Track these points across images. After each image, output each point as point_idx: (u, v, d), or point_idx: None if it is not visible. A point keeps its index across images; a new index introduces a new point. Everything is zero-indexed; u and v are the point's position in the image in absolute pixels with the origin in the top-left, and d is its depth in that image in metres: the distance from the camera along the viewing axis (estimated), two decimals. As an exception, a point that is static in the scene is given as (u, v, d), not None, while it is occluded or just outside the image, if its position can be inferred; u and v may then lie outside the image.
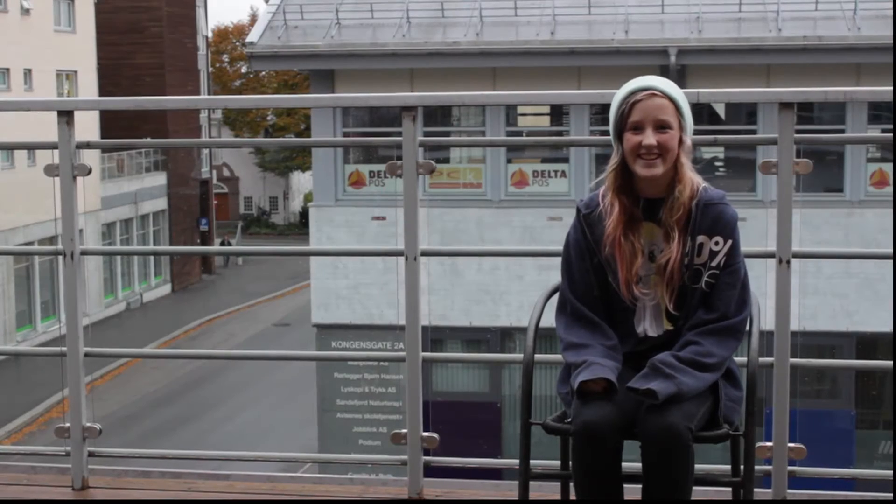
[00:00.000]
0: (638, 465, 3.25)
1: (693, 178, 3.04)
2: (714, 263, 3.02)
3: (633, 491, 3.16)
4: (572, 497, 3.03)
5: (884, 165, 17.28)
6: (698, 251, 3.02)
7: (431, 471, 3.83)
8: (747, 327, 3.09)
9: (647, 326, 3.06)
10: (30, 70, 33.58)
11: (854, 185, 17.11)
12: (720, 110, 17.61)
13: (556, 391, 3.13)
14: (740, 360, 3.16)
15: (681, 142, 3.02)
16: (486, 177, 18.02)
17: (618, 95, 3.05)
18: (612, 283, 3.07)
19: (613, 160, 3.05)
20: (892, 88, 3.55)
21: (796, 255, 3.55)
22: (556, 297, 3.24)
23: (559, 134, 18.93)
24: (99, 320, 34.85)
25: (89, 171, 3.90)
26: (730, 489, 3.07)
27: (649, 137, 2.98)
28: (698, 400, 2.91)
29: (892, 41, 15.50)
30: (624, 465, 2.94)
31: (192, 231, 45.28)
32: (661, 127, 2.99)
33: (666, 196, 3.03)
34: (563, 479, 3.14)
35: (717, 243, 3.03)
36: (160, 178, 42.56)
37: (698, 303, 3.03)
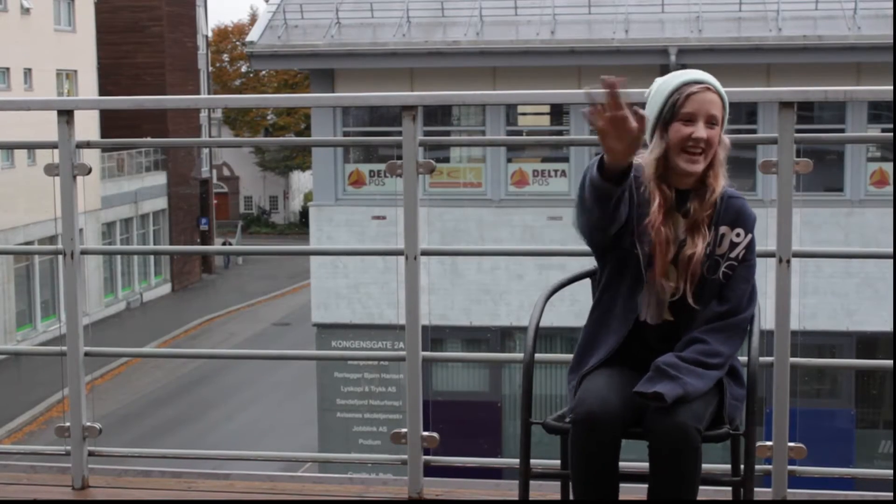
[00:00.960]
0: (635, 465, 3.25)
1: (724, 177, 3.07)
2: (733, 255, 3.04)
3: (628, 490, 3.16)
4: (572, 496, 3.03)
5: (884, 165, 17.28)
6: (719, 242, 3.04)
7: (431, 470, 3.83)
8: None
9: (649, 312, 3.06)
10: (30, 69, 33.58)
11: (854, 184, 17.11)
12: (720, 110, 17.58)
13: (567, 385, 3.12)
14: (741, 359, 3.15)
15: (720, 140, 3.02)
16: (487, 176, 18.02)
17: (667, 85, 3.03)
18: (634, 257, 3.04)
19: (656, 149, 3.02)
20: (892, 88, 3.55)
21: (796, 255, 3.55)
22: (555, 297, 3.23)
23: (559, 133, 18.93)
24: (99, 320, 34.83)
25: (89, 171, 3.90)
26: (730, 488, 3.06)
27: (701, 131, 2.98)
28: (705, 400, 2.91)
29: (892, 41, 15.51)
30: (621, 463, 2.94)
31: (192, 230, 45.28)
32: (711, 123, 3.00)
33: (694, 189, 3.04)
34: (563, 478, 3.13)
35: (738, 235, 3.05)
36: (160, 178, 42.56)
37: (713, 295, 3.04)
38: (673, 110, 2.99)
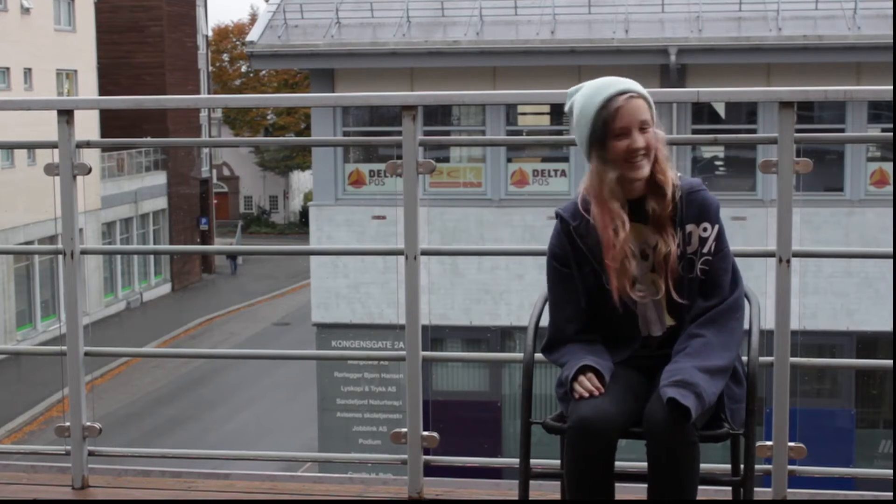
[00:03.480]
0: (633, 464, 3.25)
1: (672, 169, 3.04)
2: (706, 250, 3.02)
3: (627, 490, 3.15)
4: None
5: (884, 164, 17.28)
6: (688, 240, 3.02)
7: (431, 470, 3.83)
8: (745, 302, 3.09)
9: (651, 326, 3.06)
10: (30, 69, 33.59)
11: (854, 184, 17.11)
12: (720, 109, 17.60)
13: (554, 391, 3.13)
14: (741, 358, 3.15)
15: (656, 138, 3.01)
16: (487, 176, 18.01)
17: (591, 104, 2.98)
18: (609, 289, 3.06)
19: (599, 170, 3.01)
20: (892, 87, 3.55)
21: (796, 255, 3.55)
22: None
23: (559, 133, 18.92)
24: (99, 319, 34.84)
25: (89, 171, 3.90)
26: (730, 488, 3.06)
27: (638, 140, 2.95)
28: None
29: (892, 40, 15.51)
30: (620, 463, 2.94)
31: (192, 230, 45.28)
32: (643, 128, 2.98)
33: (648, 192, 3.02)
34: (563, 478, 3.13)
35: (705, 229, 3.02)
36: (160, 178, 42.56)
37: (696, 292, 3.03)
38: (605, 128, 2.97)
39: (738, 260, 3.15)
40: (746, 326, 3.10)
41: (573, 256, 3.07)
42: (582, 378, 2.93)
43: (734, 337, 3.00)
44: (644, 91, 3.00)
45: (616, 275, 3.00)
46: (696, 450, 2.83)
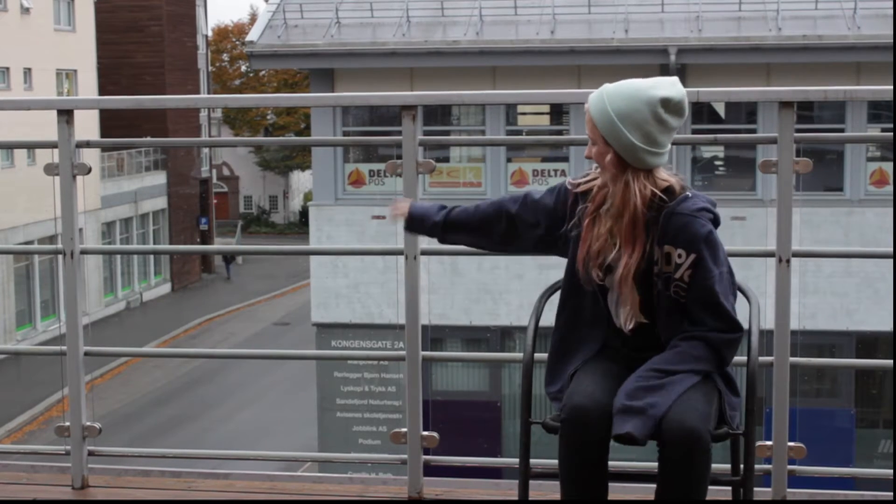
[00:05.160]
0: (628, 464, 3.25)
1: (641, 188, 2.95)
2: (677, 276, 2.94)
3: (621, 490, 3.15)
4: (561, 495, 3.03)
5: (884, 164, 17.28)
6: (666, 260, 2.95)
7: (431, 470, 3.83)
8: (731, 345, 2.99)
9: (625, 321, 3.04)
10: (30, 69, 33.58)
11: (854, 184, 17.11)
12: (720, 109, 17.60)
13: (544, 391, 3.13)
14: (740, 359, 3.14)
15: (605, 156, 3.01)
16: (486, 176, 18.02)
17: (674, 100, 2.93)
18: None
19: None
20: (892, 87, 3.55)
21: (796, 255, 3.55)
22: (555, 297, 3.24)
23: (559, 133, 18.93)
24: (99, 319, 34.84)
25: (89, 170, 3.90)
26: (729, 488, 3.06)
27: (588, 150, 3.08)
28: (707, 399, 2.90)
29: (892, 40, 15.51)
30: (616, 463, 2.94)
31: (192, 230, 45.28)
32: (592, 139, 3.06)
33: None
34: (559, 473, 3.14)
35: (679, 255, 2.93)
36: (160, 178, 42.55)
37: (672, 308, 2.98)
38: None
39: (738, 260, 3.13)
40: (737, 356, 3.05)
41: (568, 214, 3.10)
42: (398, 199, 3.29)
43: (708, 357, 2.94)
44: (591, 107, 2.97)
45: (582, 246, 3.02)
46: (710, 455, 2.84)
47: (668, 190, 2.96)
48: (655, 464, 2.89)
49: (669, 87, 2.93)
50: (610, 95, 2.93)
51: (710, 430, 2.84)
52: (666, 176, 2.97)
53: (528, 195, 3.19)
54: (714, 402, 2.94)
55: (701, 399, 2.88)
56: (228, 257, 45.76)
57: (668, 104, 2.91)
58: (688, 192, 2.97)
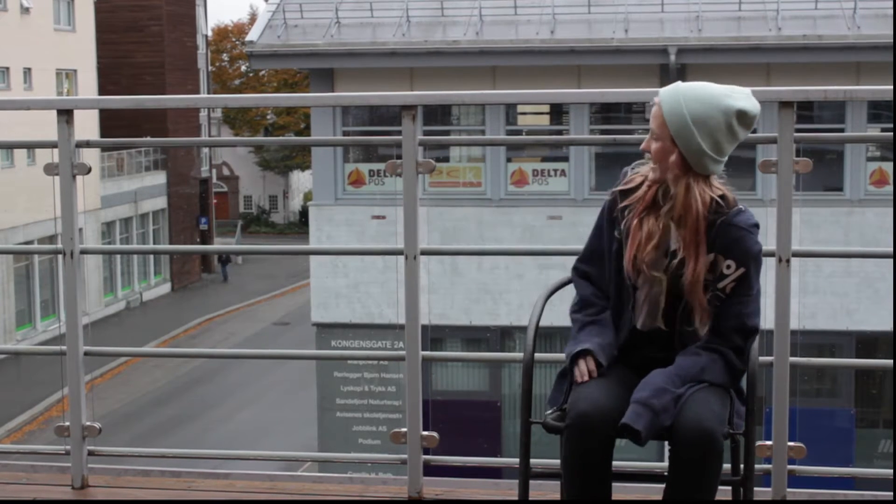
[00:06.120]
0: (631, 464, 3.25)
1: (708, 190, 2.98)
2: (721, 286, 2.96)
3: (623, 489, 3.15)
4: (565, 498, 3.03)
5: (884, 164, 17.28)
6: (711, 267, 2.96)
7: (431, 470, 3.83)
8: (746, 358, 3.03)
9: (641, 319, 3.05)
10: (29, 69, 33.58)
11: (854, 183, 17.11)
12: (720, 109, 17.57)
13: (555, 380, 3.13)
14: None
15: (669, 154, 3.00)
16: (486, 176, 18.01)
17: (750, 114, 2.95)
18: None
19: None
20: (892, 87, 3.55)
21: (796, 254, 3.55)
22: (555, 297, 3.24)
23: (559, 133, 18.92)
24: (99, 319, 34.84)
25: (89, 170, 3.90)
26: (730, 488, 3.07)
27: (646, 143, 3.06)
28: (722, 401, 2.92)
29: (892, 40, 15.51)
30: (617, 463, 2.95)
31: (192, 230, 45.28)
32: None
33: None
34: (561, 475, 3.14)
35: (728, 266, 2.96)
36: (160, 177, 42.56)
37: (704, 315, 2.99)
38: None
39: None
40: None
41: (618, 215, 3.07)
42: (581, 361, 2.96)
43: (722, 367, 2.96)
44: (662, 103, 2.94)
45: (631, 245, 2.99)
46: (722, 456, 2.85)
47: (722, 198, 3.00)
48: (657, 464, 2.89)
49: (745, 98, 2.94)
50: (686, 97, 2.92)
51: (724, 432, 2.85)
52: (719, 184, 3.02)
53: (586, 247, 3.16)
54: (728, 407, 2.95)
55: (717, 402, 2.90)
56: (224, 259, 45.72)
57: (744, 117, 2.94)
58: (740, 206, 3.02)
